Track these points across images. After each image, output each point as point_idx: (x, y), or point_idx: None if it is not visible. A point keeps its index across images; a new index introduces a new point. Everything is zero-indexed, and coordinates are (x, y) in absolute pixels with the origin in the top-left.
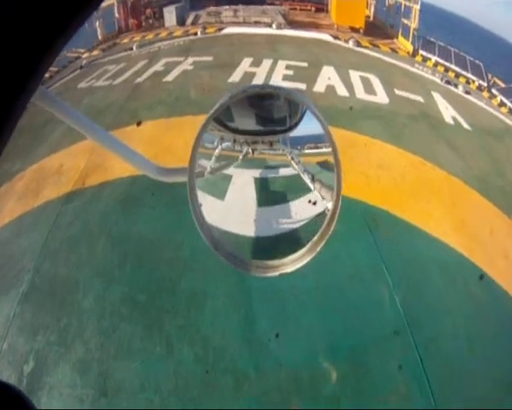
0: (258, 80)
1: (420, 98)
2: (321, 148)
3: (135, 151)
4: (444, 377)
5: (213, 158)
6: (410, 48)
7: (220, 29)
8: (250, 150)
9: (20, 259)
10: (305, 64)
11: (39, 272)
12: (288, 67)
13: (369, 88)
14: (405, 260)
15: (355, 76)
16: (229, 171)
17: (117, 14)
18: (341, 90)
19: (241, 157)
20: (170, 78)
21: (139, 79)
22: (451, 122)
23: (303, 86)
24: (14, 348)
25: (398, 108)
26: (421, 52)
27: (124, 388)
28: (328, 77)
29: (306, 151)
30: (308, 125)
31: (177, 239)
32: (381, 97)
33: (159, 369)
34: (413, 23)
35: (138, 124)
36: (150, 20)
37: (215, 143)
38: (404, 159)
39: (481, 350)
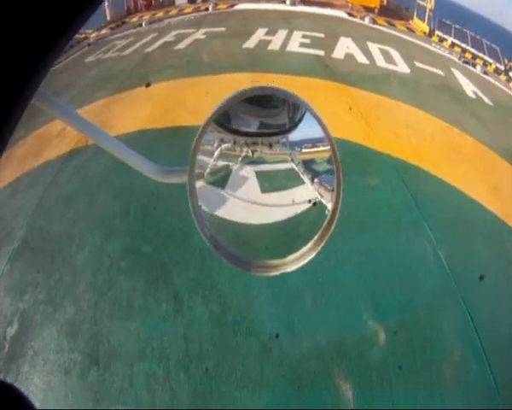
0: (274, 47)
1: (440, 72)
2: (319, 147)
3: (134, 152)
4: (496, 336)
5: (213, 159)
6: (426, 29)
7: (232, 5)
8: (250, 152)
9: (14, 217)
10: (322, 35)
11: (32, 228)
12: (304, 37)
13: (389, 59)
14: (444, 216)
15: (374, 47)
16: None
17: None
18: (361, 59)
19: (240, 159)
20: (181, 46)
21: (149, 49)
22: (473, 96)
23: (321, 53)
24: None
25: (420, 77)
26: (437, 32)
27: (119, 354)
28: (346, 46)
29: (305, 151)
30: (307, 127)
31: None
32: (402, 67)
33: (164, 331)
34: (429, 4)
35: (147, 85)
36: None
37: (215, 145)
38: (431, 122)
39: None
